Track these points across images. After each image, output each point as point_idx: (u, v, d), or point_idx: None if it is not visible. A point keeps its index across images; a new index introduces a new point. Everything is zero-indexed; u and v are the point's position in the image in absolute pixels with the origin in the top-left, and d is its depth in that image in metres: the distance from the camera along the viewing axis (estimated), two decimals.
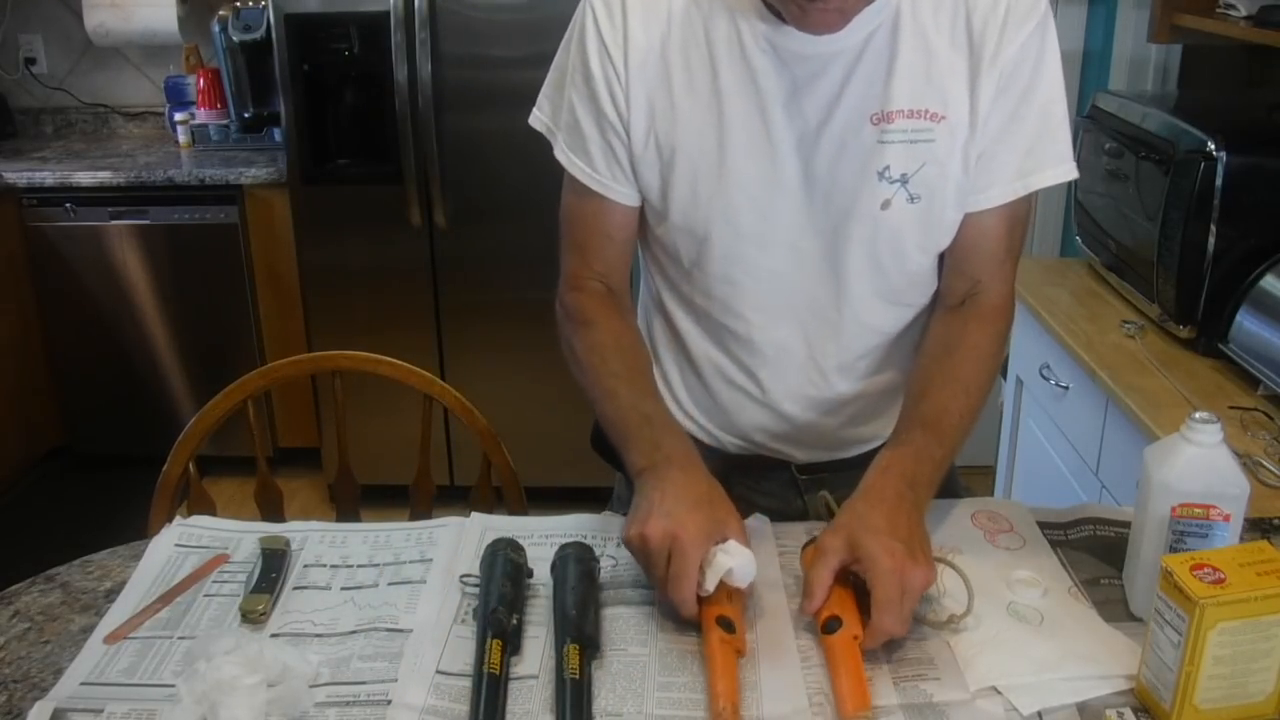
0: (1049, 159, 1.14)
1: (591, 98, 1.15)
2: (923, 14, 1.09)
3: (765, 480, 1.31)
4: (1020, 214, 1.17)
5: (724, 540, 0.99)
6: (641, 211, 1.21)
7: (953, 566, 1.03)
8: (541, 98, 1.22)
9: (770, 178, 1.12)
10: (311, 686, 0.93)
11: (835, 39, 1.07)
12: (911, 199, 1.12)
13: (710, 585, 0.97)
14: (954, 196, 1.13)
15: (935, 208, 1.13)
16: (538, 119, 1.22)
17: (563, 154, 1.20)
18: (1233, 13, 2.17)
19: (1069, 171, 1.15)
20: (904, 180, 1.11)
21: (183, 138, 3.48)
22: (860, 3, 1.02)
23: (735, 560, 0.97)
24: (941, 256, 1.19)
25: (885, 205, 1.12)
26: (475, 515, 1.19)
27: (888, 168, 1.11)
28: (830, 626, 0.96)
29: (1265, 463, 1.50)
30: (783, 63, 1.09)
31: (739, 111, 1.11)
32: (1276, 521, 1.20)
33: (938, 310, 1.22)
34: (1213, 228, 1.78)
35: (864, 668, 0.93)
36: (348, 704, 0.92)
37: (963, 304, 1.19)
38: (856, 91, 1.09)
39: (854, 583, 1.00)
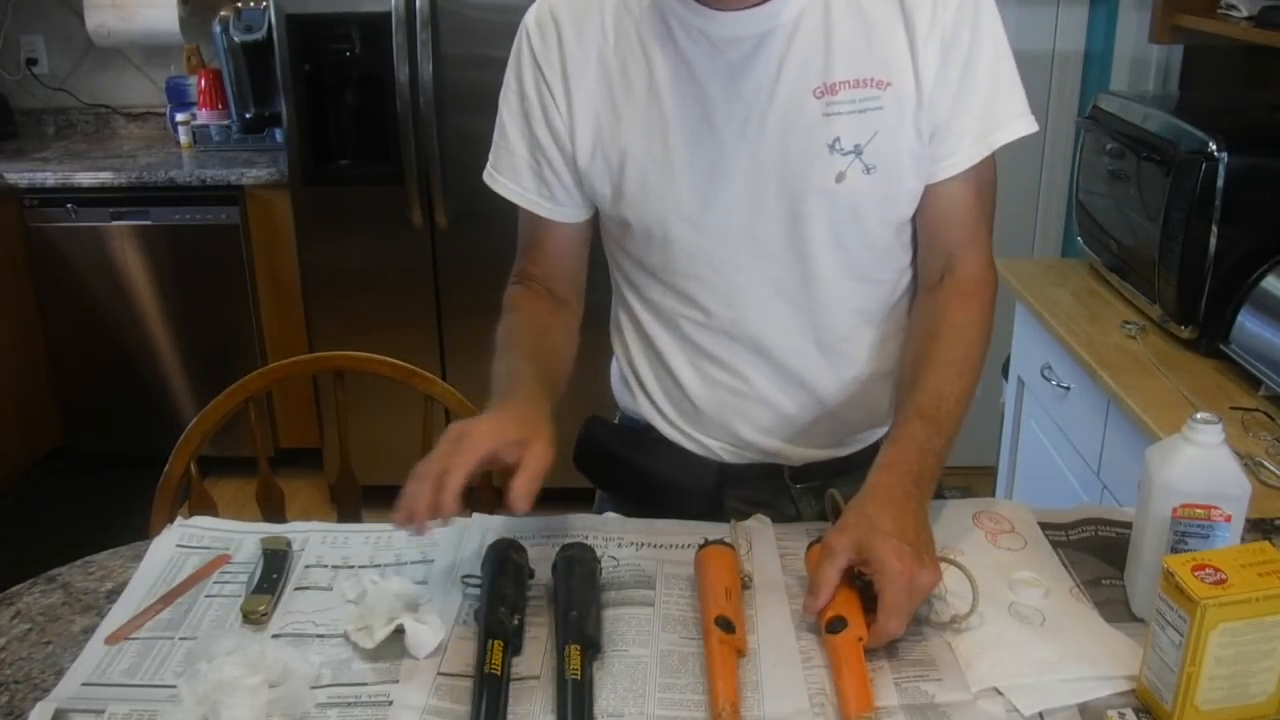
0: (1005, 115, 1.13)
1: (524, 118, 1.18)
2: None
3: (758, 489, 1.28)
4: (986, 177, 1.16)
5: (416, 609, 1.00)
6: (601, 225, 1.23)
7: (958, 566, 1.03)
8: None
9: (718, 166, 1.12)
10: (313, 687, 0.93)
11: (766, 18, 1.07)
12: (867, 169, 1.10)
13: (379, 638, 0.97)
14: (910, 164, 1.12)
15: (892, 177, 1.12)
16: (488, 171, 1.26)
17: (488, 174, 1.24)
18: (1234, 13, 2.17)
19: (1028, 125, 1.14)
20: (858, 151, 1.10)
21: (184, 138, 3.48)
22: None
23: (419, 628, 0.97)
24: (912, 234, 1.19)
25: (840, 178, 1.11)
26: (476, 516, 1.19)
27: (838, 139, 1.10)
28: (834, 627, 0.96)
29: (1267, 463, 1.49)
30: (716, 48, 1.09)
31: (678, 104, 1.11)
32: (1278, 522, 1.20)
33: (919, 293, 1.21)
34: (1214, 228, 1.78)
35: (868, 669, 0.93)
36: (349, 705, 0.92)
37: (941, 282, 1.18)
38: (795, 68, 1.09)
39: (859, 585, 1.00)
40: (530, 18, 1.18)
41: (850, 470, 1.22)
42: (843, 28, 1.09)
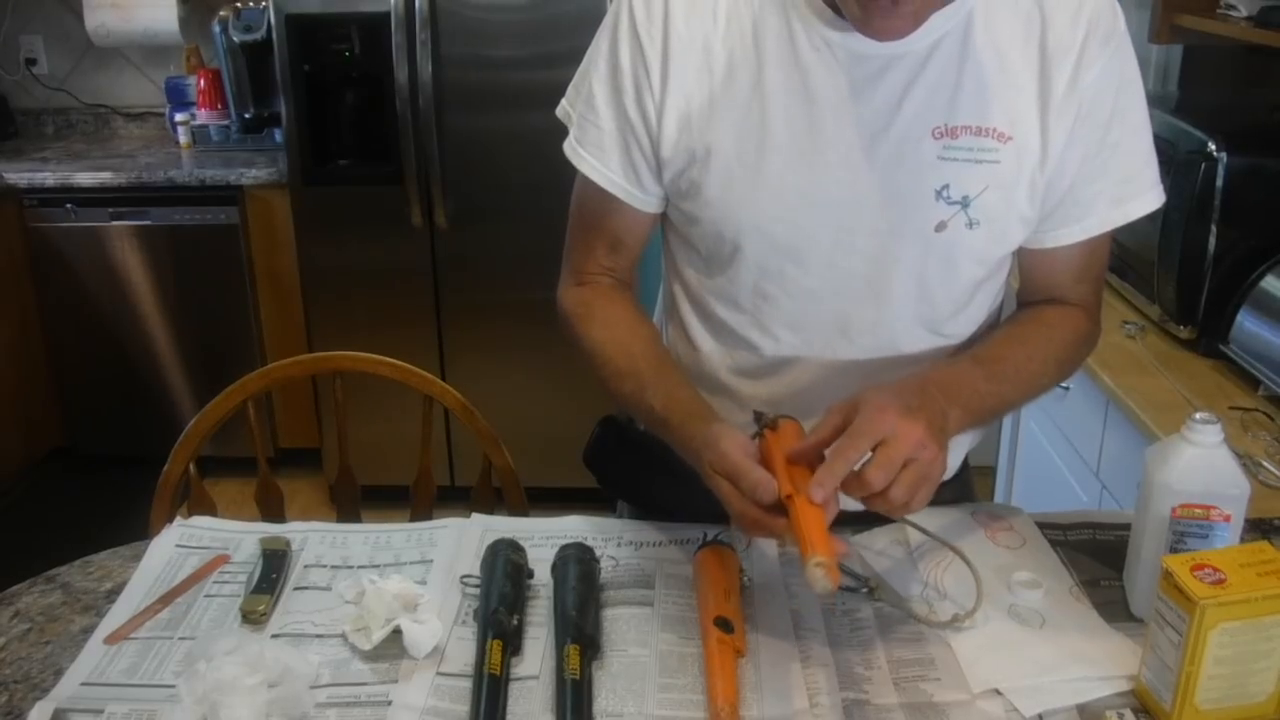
0: (1142, 185, 1.08)
1: (616, 92, 1.08)
2: (997, 24, 1.02)
3: None
4: (1102, 237, 1.11)
5: (415, 609, 0.99)
6: (666, 214, 1.16)
7: (961, 556, 1.03)
8: (570, 88, 1.15)
9: (812, 188, 1.05)
10: (312, 687, 0.93)
11: (901, 41, 0.99)
12: (971, 224, 1.04)
13: (377, 639, 0.96)
14: (1017, 224, 1.06)
15: (995, 234, 1.06)
16: (562, 108, 1.16)
17: (571, 147, 1.13)
18: (1233, 13, 2.17)
19: (1159, 197, 1.09)
20: (965, 203, 1.03)
21: (183, 138, 3.48)
22: (933, 5, 0.94)
23: (417, 628, 0.97)
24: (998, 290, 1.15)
25: (940, 227, 1.04)
26: (476, 516, 1.19)
27: (947, 187, 1.03)
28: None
29: (1266, 463, 1.49)
30: (838, 63, 1.02)
31: (783, 113, 1.04)
32: (1277, 522, 1.20)
33: None
34: (1213, 228, 1.78)
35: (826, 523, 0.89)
36: (348, 705, 0.92)
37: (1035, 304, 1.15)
38: (919, 100, 1.02)
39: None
40: None
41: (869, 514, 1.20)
42: (976, 69, 1.01)
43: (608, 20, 1.11)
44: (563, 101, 1.16)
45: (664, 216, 1.17)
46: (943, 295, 1.10)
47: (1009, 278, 1.18)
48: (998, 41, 1.02)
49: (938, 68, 1.02)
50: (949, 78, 1.02)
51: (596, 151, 1.11)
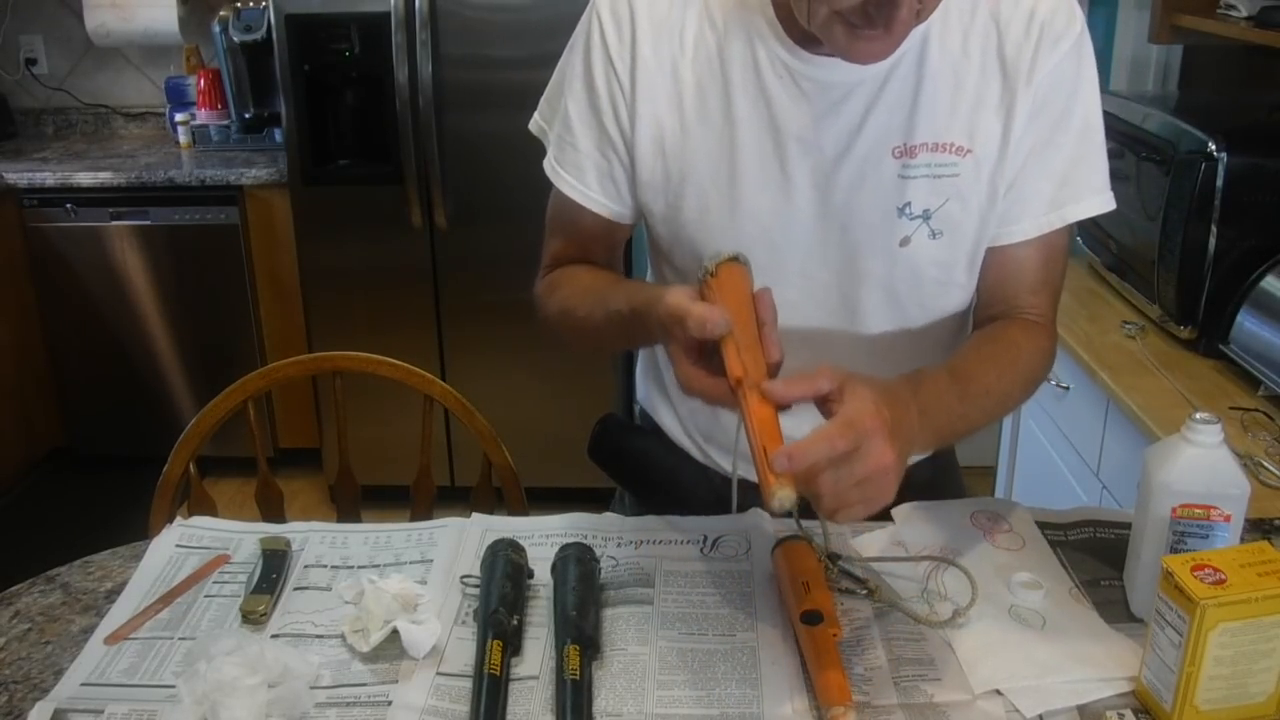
0: (1086, 189, 1.09)
1: (593, 112, 1.11)
2: (951, 42, 1.04)
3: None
4: (1057, 246, 1.11)
5: (414, 609, 0.99)
6: (648, 225, 1.17)
7: (954, 564, 1.03)
8: (542, 102, 1.18)
9: (783, 211, 1.07)
10: (312, 687, 0.93)
11: (860, 69, 1.01)
12: (934, 234, 1.07)
13: (374, 641, 0.96)
14: (978, 231, 1.08)
15: (957, 242, 1.08)
16: (536, 124, 1.19)
17: (550, 167, 1.16)
18: (1233, 13, 2.17)
19: (1106, 202, 1.10)
20: (926, 216, 1.06)
21: (183, 138, 3.48)
22: (909, 28, 0.94)
23: (415, 629, 0.96)
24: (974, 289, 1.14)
25: (905, 242, 1.07)
26: (476, 516, 1.19)
27: (909, 204, 1.05)
28: (810, 619, 0.96)
29: (1266, 463, 1.50)
30: (801, 93, 1.04)
31: (753, 142, 1.06)
32: (1277, 522, 1.20)
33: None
34: (1213, 228, 1.78)
35: (842, 661, 0.92)
36: (348, 705, 0.92)
37: (996, 319, 1.13)
38: (878, 123, 1.04)
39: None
40: (604, 2, 1.09)
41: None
42: (931, 86, 1.03)
43: (578, 38, 1.12)
44: (535, 116, 1.19)
45: (648, 237, 1.19)
46: (911, 302, 1.12)
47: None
48: (953, 59, 1.04)
49: (895, 89, 1.03)
50: (906, 98, 1.04)
51: (575, 171, 1.14)
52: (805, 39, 1.03)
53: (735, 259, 0.96)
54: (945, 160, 1.04)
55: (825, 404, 0.87)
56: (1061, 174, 1.07)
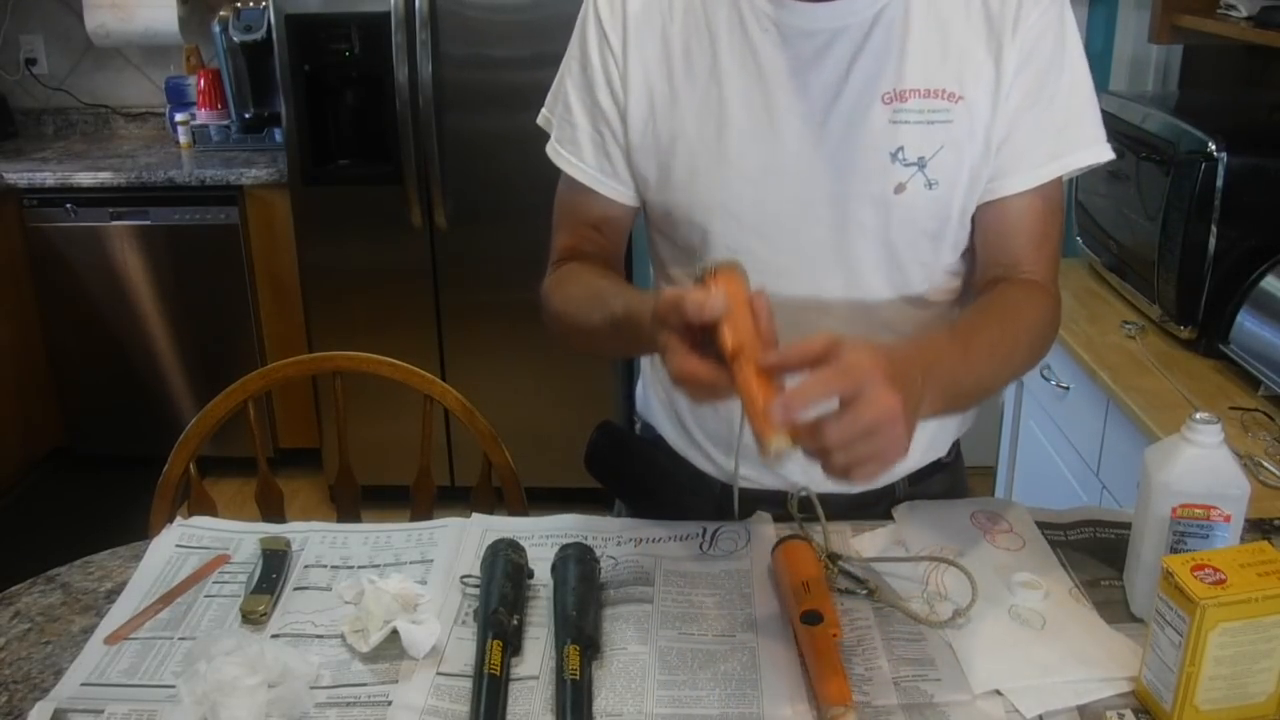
0: (1082, 139, 1.08)
1: (587, 87, 1.13)
2: None
3: (769, 509, 1.20)
4: (1054, 199, 1.10)
5: (414, 609, 0.99)
6: (646, 212, 1.18)
7: (954, 564, 1.03)
8: (549, 95, 1.20)
9: (772, 163, 1.08)
10: (312, 687, 0.93)
11: (842, 14, 1.03)
12: (930, 184, 1.06)
13: (374, 641, 0.96)
14: (970, 183, 1.08)
15: (952, 195, 1.08)
16: (542, 115, 1.20)
17: (552, 148, 1.17)
18: (1233, 13, 2.17)
19: (1103, 152, 1.09)
20: (921, 164, 1.06)
21: (183, 138, 3.48)
22: None
23: (415, 629, 0.96)
24: (967, 252, 1.14)
25: (899, 189, 1.06)
26: (476, 516, 1.19)
27: (901, 149, 1.05)
28: (810, 619, 0.96)
29: (1266, 463, 1.50)
30: (785, 40, 1.06)
31: (739, 93, 1.07)
32: (1277, 522, 1.20)
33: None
34: (1213, 228, 1.78)
35: (842, 662, 0.92)
36: (348, 705, 0.92)
37: (997, 281, 1.11)
38: (866, 69, 1.05)
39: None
40: None
41: (866, 505, 1.19)
42: (919, 34, 1.05)
43: (578, 21, 1.15)
44: (543, 110, 1.20)
45: (646, 224, 1.20)
46: (910, 258, 1.11)
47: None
48: (940, 7, 1.05)
49: (881, 37, 1.05)
50: (894, 45, 1.05)
51: (572, 148, 1.16)
52: None
53: (732, 266, 0.95)
54: (938, 106, 1.05)
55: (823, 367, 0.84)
56: (1057, 125, 1.07)
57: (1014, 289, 1.10)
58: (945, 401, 0.94)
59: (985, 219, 1.11)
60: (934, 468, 1.25)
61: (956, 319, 1.07)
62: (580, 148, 1.15)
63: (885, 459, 0.82)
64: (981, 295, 1.12)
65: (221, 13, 3.32)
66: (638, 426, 1.35)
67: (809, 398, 0.80)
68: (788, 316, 1.01)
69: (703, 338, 0.88)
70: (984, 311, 1.08)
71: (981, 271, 1.14)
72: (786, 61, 1.06)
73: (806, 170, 1.08)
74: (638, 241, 1.22)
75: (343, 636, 0.99)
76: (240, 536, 1.17)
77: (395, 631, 0.96)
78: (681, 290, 0.89)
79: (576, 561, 1.05)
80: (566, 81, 1.15)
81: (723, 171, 1.09)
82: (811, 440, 0.81)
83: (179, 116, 3.48)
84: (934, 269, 1.13)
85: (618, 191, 1.16)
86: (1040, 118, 1.07)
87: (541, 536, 1.14)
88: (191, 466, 1.49)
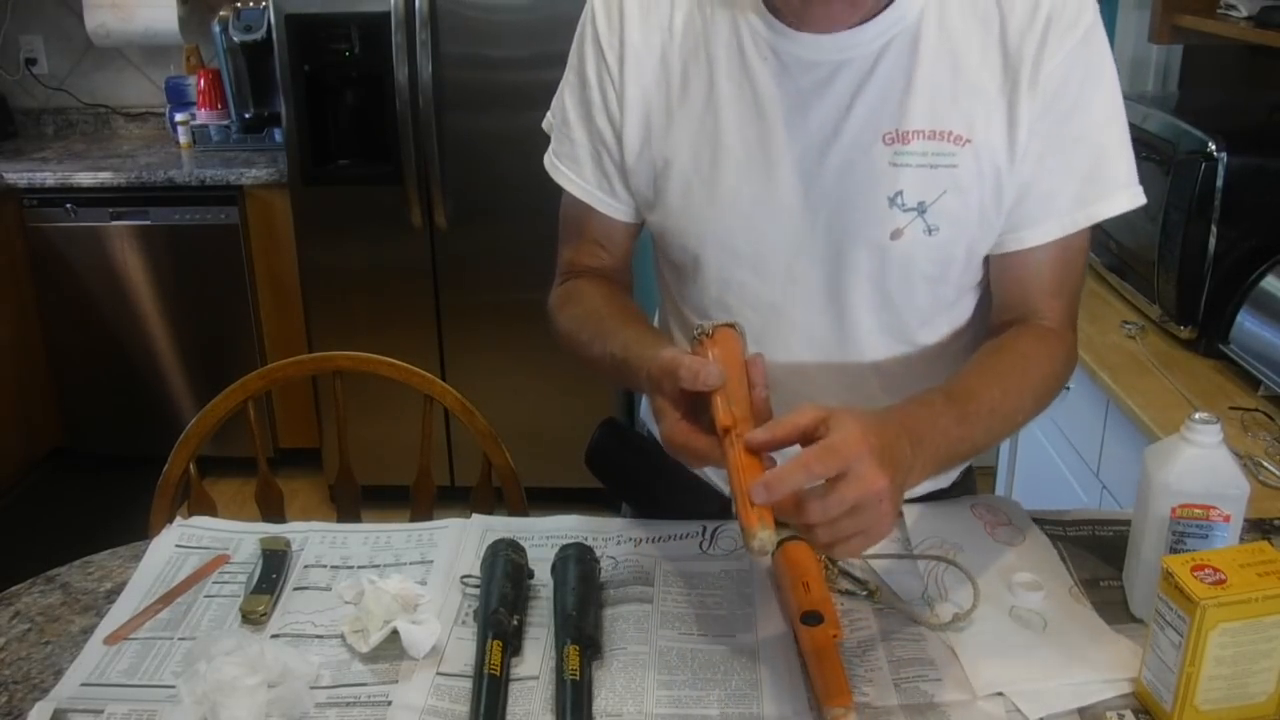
0: (1111, 184, 1.02)
1: (585, 104, 1.10)
2: (951, 23, 0.99)
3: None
4: (1075, 247, 1.05)
5: (414, 609, 0.99)
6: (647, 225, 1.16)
7: (955, 564, 1.03)
8: (554, 98, 1.18)
9: (766, 197, 1.04)
10: (312, 687, 0.93)
11: (847, 46, 0.98)
12: (929, 230, 1.01)
13: (374, 641, 0.96)
14: (978, 230, 1.03)
15: (955, 240, 1.03)
16: (547, 120, 1.18)
17: (549, 160, 1.16)
18: (1233, 13, 2.18)
19: (1135, 197, 1.03)
20: (921, 209, 1.01)
21: (183, 138, 3.48)
22: None
23: (414, 629, 0.96)
24: (978, 285, 1.10)
25: (896, 235, 1.02)
26: (476, 516, 1.19)
27: (900, 193, 1.00)
28: (810, 619, 0.96)
29: (1265, 463, 1.50)
30: (786, 71, 1.01)
31: (735, 123, 1.03)
32: (1277, 522, 1.20)
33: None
34: (1213, 228, 1.78)
35: (843, 663, 0.92)
36: (348, 705, 0.92)
37: (1011, 324, 1.08)
38: (868, 105, 0.99)
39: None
40: None
41: None
42: (928, 68, 0.98)
43: (576, 34, 1.12)
44: (548, 114, 1.18)
45: (646, 223, 1.18)
46: (905, 303, 1.07)
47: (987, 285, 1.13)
48: (954, 43, 0.99)
49: (886, 72, 0.99)
50: (899, 81, 0.99)
51: (571, 164, 1.14)
52: (790, 14, 0.99)
53: (730, 326, 0.95)
54: (943, 149, 0.99)
55: (811, 442, 0.83)
56: (1084, 170, 1.01)
57: (1027, 338, 1.05)
58: (938, 466, 0.93)
59: (1002, 266, 1.07)
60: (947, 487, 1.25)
61: (956, 375, 1.02)
62: (579, 164, 1.13)
63: (870, 536, 0.82)
64: (991, 338, 1.08)
65: (221, 13, 3.32)
66: (641, 431, 1.35)
67: (791, 483, 0.80)
68: (776, 351, 1.01)
69: (697, 402, 0.89)
70: (989, 370, 1.02)
71: (996, 314, 1.10)
72: (785, 93, 1.01)
73: (800, 209, 1.04)
74: (644, 245, 1.22)
75: (343, 636, 0.99)
76: (240, 536, 1.17)
77: (395, 632, 0.96)
78: (677, 355, 0.89)
79: (576, 561, 1.05)
80: (565, 95, 1.13)
81: (715, 202, 1.06)
82: (795, 515, 0.81)
83: (179, 116, 3.48)
84: (931, 310, 1.09)
85: (617, 210, 1.14)
86: (1066, 163, 1.01)
87: (541, 536, 1.14)
88: (191, 466, 1.49)
